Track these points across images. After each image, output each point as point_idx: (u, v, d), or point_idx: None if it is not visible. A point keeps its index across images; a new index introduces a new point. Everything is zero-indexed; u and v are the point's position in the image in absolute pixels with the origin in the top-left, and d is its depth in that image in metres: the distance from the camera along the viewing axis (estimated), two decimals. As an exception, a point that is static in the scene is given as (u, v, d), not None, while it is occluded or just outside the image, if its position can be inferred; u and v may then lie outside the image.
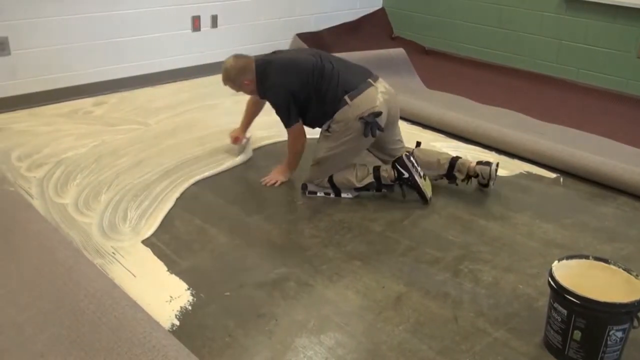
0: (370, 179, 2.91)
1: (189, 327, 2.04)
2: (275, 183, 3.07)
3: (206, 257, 2.46)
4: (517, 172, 3.36)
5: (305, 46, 5.26)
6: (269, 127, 3.57)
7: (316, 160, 2.93)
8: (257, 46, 5.18)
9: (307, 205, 2.90)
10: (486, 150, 3.60)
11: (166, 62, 4.71)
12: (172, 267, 2.37)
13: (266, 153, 3.47)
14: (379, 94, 2.85)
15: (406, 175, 2.84)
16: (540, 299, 2.24)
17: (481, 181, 3.02)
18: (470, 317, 2.14)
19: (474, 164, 2.99)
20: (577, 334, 1.88)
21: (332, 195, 2.96)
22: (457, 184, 3.06)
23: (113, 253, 2.45)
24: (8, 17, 3.85)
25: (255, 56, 3.02)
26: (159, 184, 3.03)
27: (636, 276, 1.93)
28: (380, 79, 2.93)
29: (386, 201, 2.95)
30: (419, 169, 2.87)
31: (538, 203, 3.02)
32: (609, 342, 1.85)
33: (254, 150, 3.45)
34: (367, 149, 3.04)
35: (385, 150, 3.07)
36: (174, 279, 2.30)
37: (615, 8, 4.57)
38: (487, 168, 2.96)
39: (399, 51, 4.92)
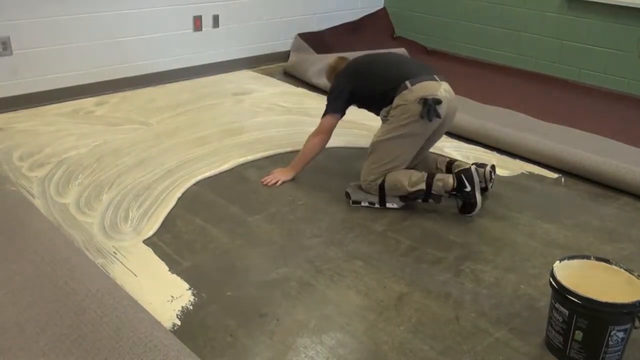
0: (422, 185, 2.77)
1: (190, 326, 2.04)
2: (276, 183, 3.07)
3: (207, 257, 2.46)
4: (518, 172, 3.36)
5: (306, 46, 5.27)
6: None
7: (372, 145, 2.89)
8: (259, 46, 5.19)
9: (308, 205, 2.90)
10: (488, 150, 3.59)
11: (168, 62, 4.71)
12: (174, 267, 2.37)
13: (271, 154, 3.47)
14: (442, 89, 2.81)
15: (468, 188, 2.73)
16: (541, 299, 2.24)
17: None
18: (471, 317, 2.14)
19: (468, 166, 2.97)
20: (579, 334, 1.88)
21: (376, 205, 2.87)
22: None
23: (114, 253, 2.45)
24: (10, 17, 3.85)
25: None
26: (160, 183, 3.03)
27: (637, 276, 1.92)
28: (445, 82, 2.88)
29: (387, 201, 2.95)
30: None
31: (539, 203, 3.02)
32: (610, 343, 1.85)
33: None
34: None
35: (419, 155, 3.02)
36: (176, 279, 2.30)
37: (617, 8, 4.56)
38: (481, 170, 2.93)
39: (401, 51, 4.92)
